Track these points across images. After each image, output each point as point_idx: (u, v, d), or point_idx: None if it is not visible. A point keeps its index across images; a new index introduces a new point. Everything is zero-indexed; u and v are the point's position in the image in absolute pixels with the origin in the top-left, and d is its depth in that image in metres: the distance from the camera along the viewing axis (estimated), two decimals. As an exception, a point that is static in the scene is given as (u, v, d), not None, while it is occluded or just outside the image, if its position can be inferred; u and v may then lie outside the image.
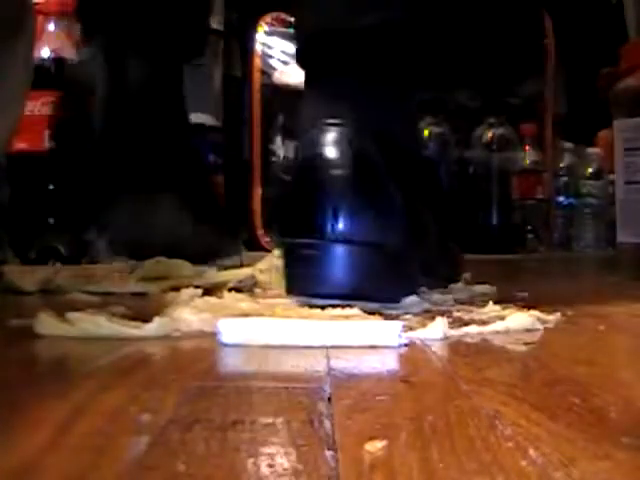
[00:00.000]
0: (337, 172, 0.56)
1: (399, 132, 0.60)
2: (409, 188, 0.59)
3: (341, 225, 0.55)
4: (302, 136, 0.59)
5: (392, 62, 0.60)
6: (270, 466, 0.23)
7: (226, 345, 0.45)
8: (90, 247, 0.93)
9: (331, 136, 0.57)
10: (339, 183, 0.56)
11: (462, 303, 0.59)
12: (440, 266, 0.64)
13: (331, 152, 0.57)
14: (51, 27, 1.32)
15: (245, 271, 0.73)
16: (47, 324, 0.48)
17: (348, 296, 0.55)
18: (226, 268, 0.81)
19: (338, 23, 0.59)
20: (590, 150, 1.79)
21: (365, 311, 0.52)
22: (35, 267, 0.89)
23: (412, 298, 0.57)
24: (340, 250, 0.55)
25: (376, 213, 0.57)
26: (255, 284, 0.72)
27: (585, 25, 1.78)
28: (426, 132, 1.57)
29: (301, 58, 0.63)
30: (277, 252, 0.69)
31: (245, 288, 0.68)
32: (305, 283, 0.57)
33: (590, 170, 1.79)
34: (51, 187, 1.34)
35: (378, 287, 0.57)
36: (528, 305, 0.53)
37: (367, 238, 0.56)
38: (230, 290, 0.58)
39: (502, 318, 0.50)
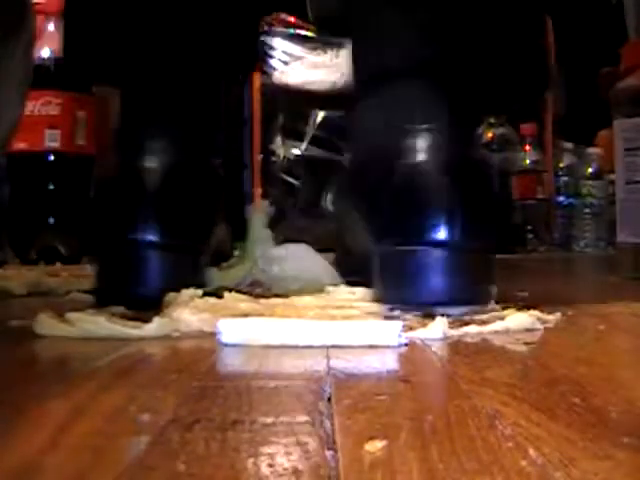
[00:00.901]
0: (447, 179, 0.55)
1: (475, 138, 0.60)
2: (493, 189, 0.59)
3: (454, 233, 0.54)
4: (393, 140, 0.57)
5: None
6: (270, 466, 0.23)
7: (226, 345, 0.45)
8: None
9: (434, 142, 0.56)
10: (450, 190, 0.55)
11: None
12: None
13: (438, 158, 0.56)
14: (51, 27, 1.32)
15: (242, 269, 0.73)
16: (47, 324, 0.48)
17: (449, 303, 0.54)
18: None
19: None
20: (590, 150, 1.79)
21: (365, 311, 0.52)
22: (28, 268, 0.89)
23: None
24: (446, 257, 0.54)
25: (484, 220, 0.56)
26: (253, 283, 0.72)
27: (585, 25, 1.78)
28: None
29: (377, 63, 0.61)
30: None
31: (244, 288, 0.68)
32: (410, 291, 0.55)
33: (590, 170, 1.79)
34: (51, 187, 1.34)
35: (475, 291, 0.56)
36: (528, 305, 0.53)
37: (474, 245, 0.55)
38: (230, 290, 0.58)
39: (502, 318, 0.50)
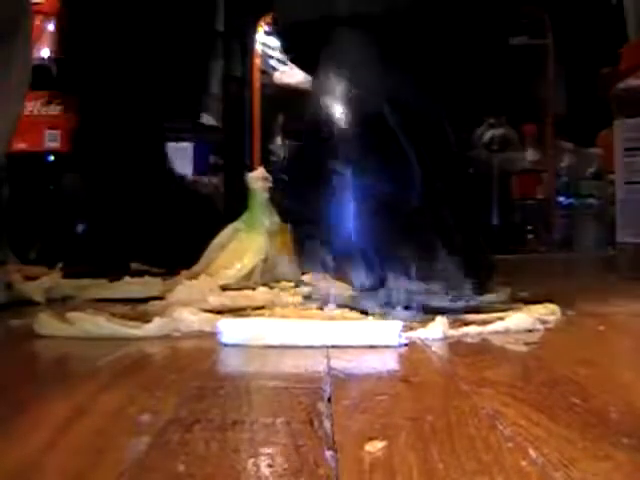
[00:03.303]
0: (346, 130, 0.54)
1: (417, 104, 0.57)
2: (426, 151, 0.56)
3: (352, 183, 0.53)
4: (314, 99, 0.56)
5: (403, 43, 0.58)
6: (270, 466, 0.23)
7: (226, 345, 0.45)
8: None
9: (338, 94, 0.55)
10: (348, 141, 0.54)
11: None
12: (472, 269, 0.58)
13: (339, 109, 0.55)
14: (51, 27, 1.32)
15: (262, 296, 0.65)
16: (47, 324, 0.48)
17: (359, 256, 0.53)
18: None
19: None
20: (590, 150, 1.79)
21: (363, 312, 0.52)
22: (37, 270, 0.88)
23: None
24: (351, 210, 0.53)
25: (385, 172, 0.54)
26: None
27: (585, 25, 1.78)
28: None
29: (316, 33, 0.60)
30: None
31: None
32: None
33: (590, 170, 1.79)
34: (51, 187, 1.34)
35: (390, 248, 0.54)
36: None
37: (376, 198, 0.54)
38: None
39: (502, 318, 0.50)
